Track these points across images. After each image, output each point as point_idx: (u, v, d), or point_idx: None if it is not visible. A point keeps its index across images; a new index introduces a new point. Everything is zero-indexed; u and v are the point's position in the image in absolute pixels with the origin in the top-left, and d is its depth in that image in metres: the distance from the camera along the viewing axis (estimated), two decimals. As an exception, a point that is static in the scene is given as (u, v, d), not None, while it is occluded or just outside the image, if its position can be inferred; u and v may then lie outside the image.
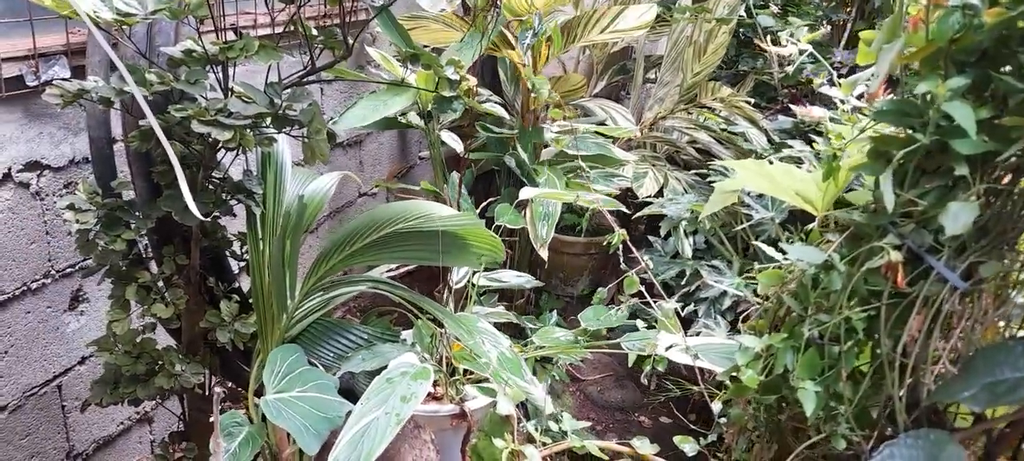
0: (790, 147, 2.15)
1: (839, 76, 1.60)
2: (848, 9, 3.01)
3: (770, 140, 2.69)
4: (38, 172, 1.65)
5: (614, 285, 1.93)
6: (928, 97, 0.98)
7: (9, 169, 1.58)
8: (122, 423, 1.99)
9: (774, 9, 3.24)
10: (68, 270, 1.76)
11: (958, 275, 0.99)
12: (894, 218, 1.04)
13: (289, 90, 1.52)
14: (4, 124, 1.58)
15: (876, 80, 1.03)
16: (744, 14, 3.07)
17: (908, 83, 1.18)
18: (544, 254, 2.40)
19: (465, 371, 1.92)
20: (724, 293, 2.13)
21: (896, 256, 1.02)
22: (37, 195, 1.66)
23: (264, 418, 1.40)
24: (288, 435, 1.59)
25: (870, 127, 1.17)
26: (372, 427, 1.41)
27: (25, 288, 1.66)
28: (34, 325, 1.70)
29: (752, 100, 2.95)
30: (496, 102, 3.29)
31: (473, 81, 1.72)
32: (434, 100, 1.70)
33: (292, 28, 1.62)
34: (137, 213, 1.52)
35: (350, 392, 1.69)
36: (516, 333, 2.49)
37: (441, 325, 1.78)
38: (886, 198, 0.97)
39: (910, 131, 1.03)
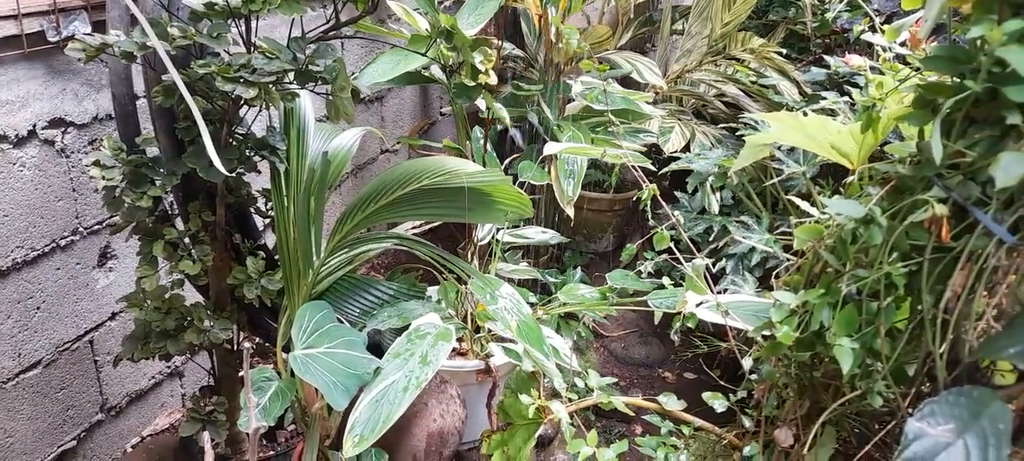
0: (824, 99, 2.08)
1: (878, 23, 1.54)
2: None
3: (802, 92, 2.62)
4: (63, 129, 1.65)
5: (641, 242, 1.91)
6: (980, 42, 0.93)
7: (34, 126, 1.58)
8: (153, 377, 2.02)
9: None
10: (96, 227, 1.77)
11: (1006, 229, 0.95)
12: (940, 170, 1.00)
13: (313, 45, 1.50)
14: (28, 81, 1.57)
15: (927, 24, 0.98)
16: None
17: (956, 29, 1.13)
18: (570, 212, 2.37)
19: (489, 328, 1.92)
20: (753, 249, 2.09)
21: (941, 209, 0.98)
22: (62, 152, 1.66)
23: (293, 373, 1.41)
24: (317, 389, 1.60)
25: (916, 75, 1.12)
26: (391, 391, 1.40)
27: (54, 245, 1.67)
28: (64, 281, 1.71)
29: (783, 51, 2.87)
30: (518, 56, 3.24)
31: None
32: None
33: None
34: (162, 170, 1.52)
35: (376, 347, 1.69)
36: (540, 289, 2.48)
37: (464, 282, 1.77)
38: (934, 149, 0.93)
39: (959, 79, 0.98)
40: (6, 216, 1.55)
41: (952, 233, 0.99)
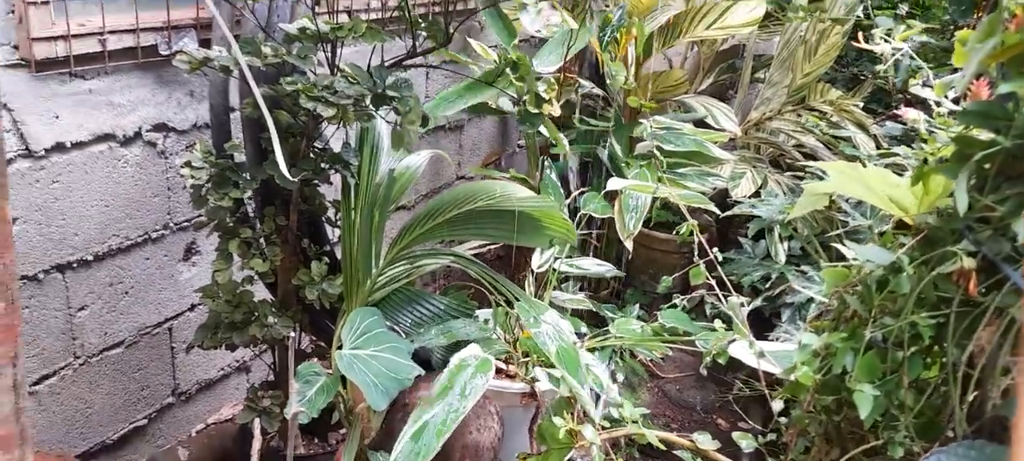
0: (896, 155, 2.04)
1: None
2: (980, 13, 2.81)
3: (879, 146, 2.57)
4: (165, 133, 1.83)
5: (678, 275, 1.92)
6: (1014, 98, 0.93)
7: (140, 128, 1.76)
8: (222, 369, 2.17)
9: (899, 11, 3.08)
10: (185, 224, 1.94)
11: (1036, 287, 0.94)
12: (970, 223, 0.99)
13: (393, 75, 1.61)
14: (138, 88, 1.76)
15: (963, 80, 0.99)
16: (862, 15, 2.93)
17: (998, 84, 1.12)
18: (629, 245, 2.41)
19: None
20: (811, 300, 2.06)
21: (970, 262, 0.97)
22: (162, 154, 1.84)
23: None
24: (364, 391, 1.69)
25: (958, 130, 1.12)
26: (430, 424, 1.44)
27: (146, 237, 1.85)
28: (152, 271, 1.88)
29: (861, 103, 2.82)
30: (598, 94, 3.31)
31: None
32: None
33: (400, 13, 1.72)
34: (245, 174, 1.67)
35: (426, 362, 1.77)
36: (598, 322, 2.51)
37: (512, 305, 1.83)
38: (958, 201, 0.93)
39: (994, 133, 0.98)
40: (107, 206, 1.73)
41: (980, 287, 0.98)
